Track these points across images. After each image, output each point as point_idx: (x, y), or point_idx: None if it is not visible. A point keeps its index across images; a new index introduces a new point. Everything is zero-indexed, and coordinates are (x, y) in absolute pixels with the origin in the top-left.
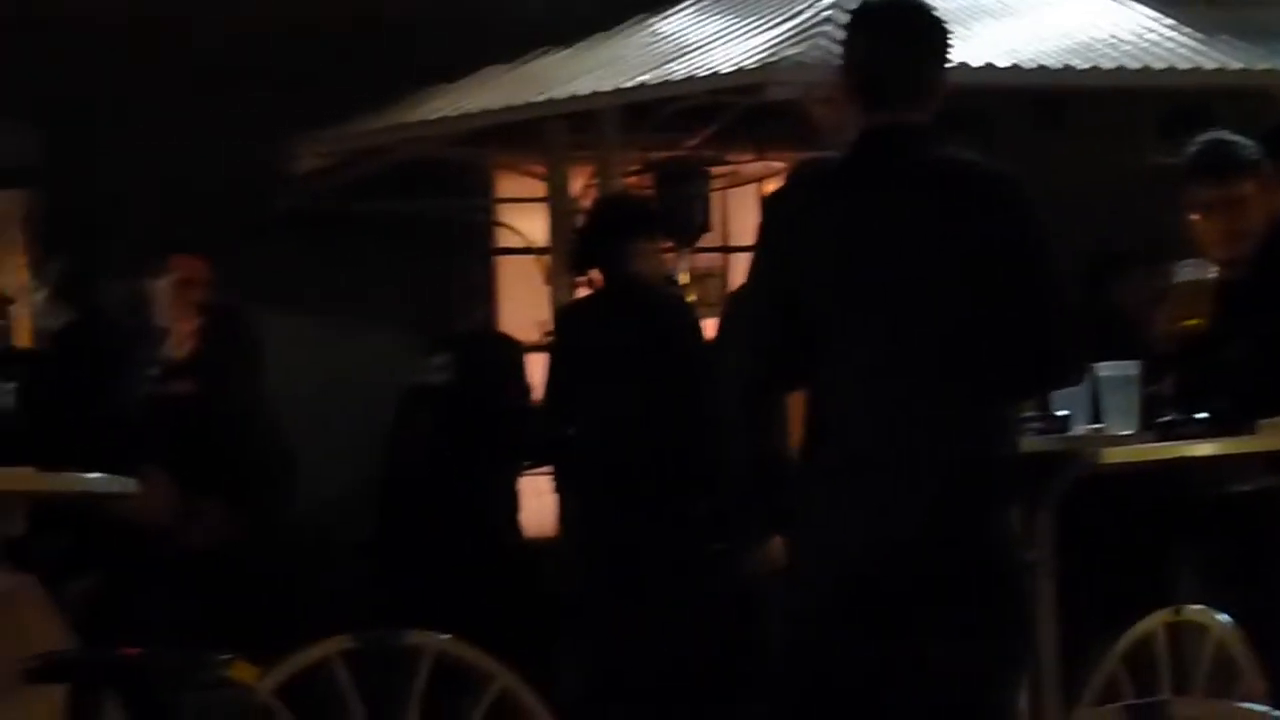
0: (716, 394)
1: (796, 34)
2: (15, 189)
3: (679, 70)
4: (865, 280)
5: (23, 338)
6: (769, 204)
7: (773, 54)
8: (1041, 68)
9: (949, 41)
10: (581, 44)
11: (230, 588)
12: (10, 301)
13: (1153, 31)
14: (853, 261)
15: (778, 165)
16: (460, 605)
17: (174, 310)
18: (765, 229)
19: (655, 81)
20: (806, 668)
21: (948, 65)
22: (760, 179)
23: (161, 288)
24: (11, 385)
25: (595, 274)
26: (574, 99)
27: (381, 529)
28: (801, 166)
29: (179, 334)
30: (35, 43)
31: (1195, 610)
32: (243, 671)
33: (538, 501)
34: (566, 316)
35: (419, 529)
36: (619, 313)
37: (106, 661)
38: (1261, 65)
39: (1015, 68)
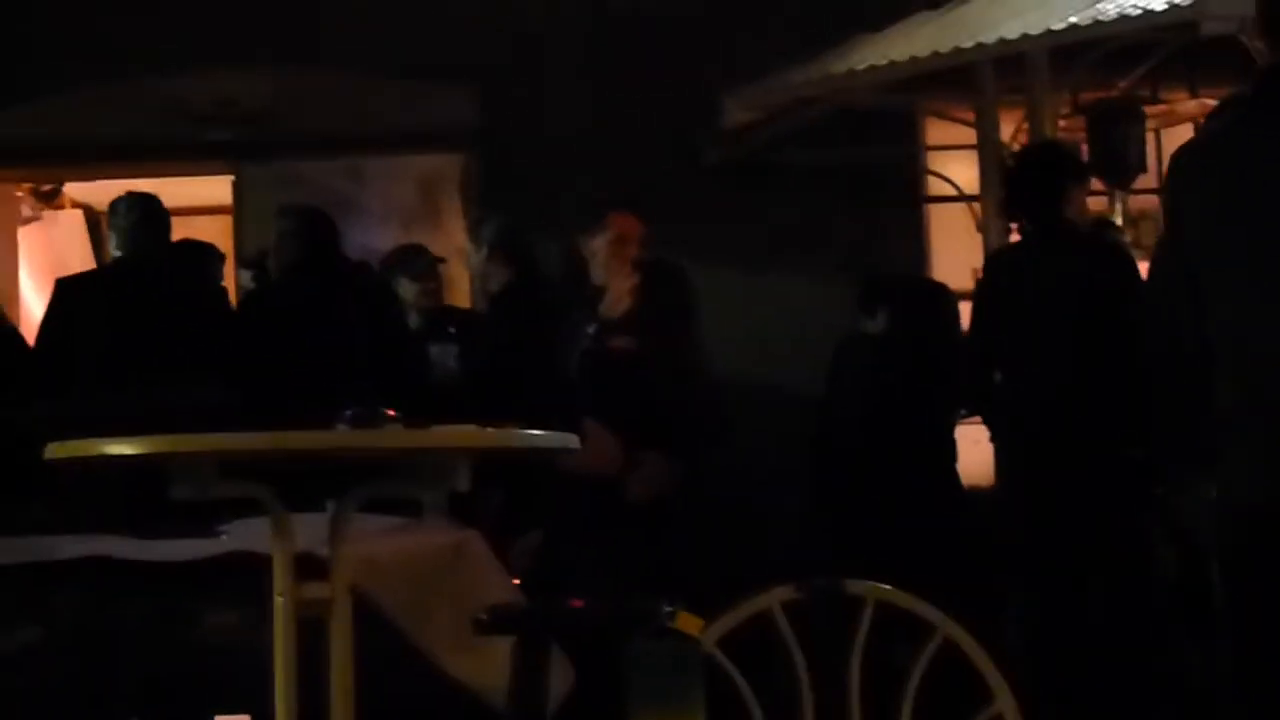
0: (1148, 337)
1: None
2: (454, 152)
3: (1110, 9)
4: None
5: (461, 299)
6: (1173, 158)
7: None
8: None
9: None
10: None
11: (671, 540)
12: (441, 261)
13: None
14: (1254, 204)
15: (1213, 103)
16: (901, 555)
17: (611, 268)
18: (1167, 182)
19: (1085, 23)
20: (1252, 608)
21: None
22: (1196, 118)
23: (598, 246)
24: (454, 348)
25: (1024, 220)
26: (1003, 43)
27: (818, 480)
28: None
29: (617, 291)
30: (471, 7)
31: None
32: (687, 622)
33: (975, 450)
34: (996, 262)
35: (857, 479)
36: (1050, 257)
37: (553, 613)
38: None
39: None
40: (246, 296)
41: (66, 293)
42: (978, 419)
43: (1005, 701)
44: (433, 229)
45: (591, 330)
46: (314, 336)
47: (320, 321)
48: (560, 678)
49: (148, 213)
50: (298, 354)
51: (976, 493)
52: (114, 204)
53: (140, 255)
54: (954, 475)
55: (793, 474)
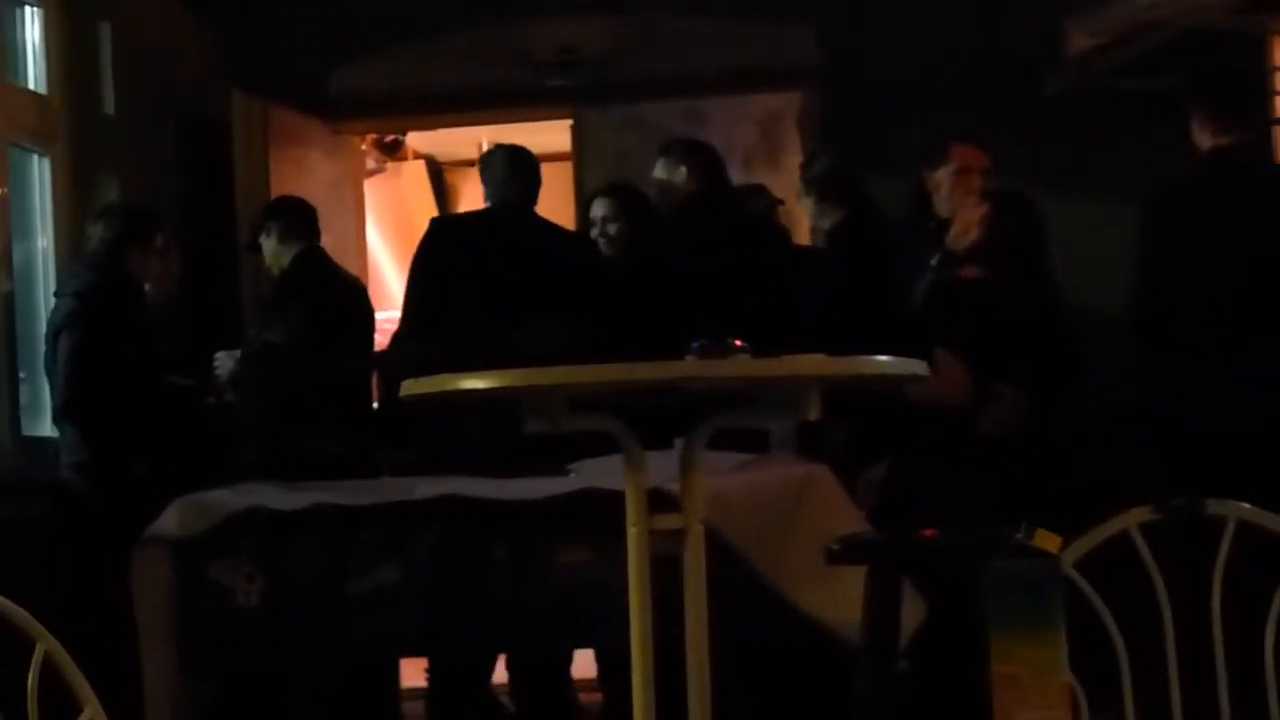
0: None
1: None
2: (792, 90)
3: None
4: None
5: (802, 237)
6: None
7: None
8: None
9: None
10: None
11: (1024, 472)
12: (780, 203)
13: None
14: None
15: None
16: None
17: (956, 199)
18: None
19: None
20: None
21: None
22: None
23: (941, 178)
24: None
25: None
26: None
27: (1165, 406)
28: None
29: (964, 222)
30: None
31: None
32: (1045, 540)
33: None
34: None
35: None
36: None
37: (904, 543)
38: None
39: None
40: (636, 239)
41: (439, 232)
42: None
43: None
44: (772, 168)
45: (935, 262)
46: (697, 275)
47: (704, 261)
48: (912, 611)
49: (518, 162)
50: (680, 293)
51: None
52: (485, 156)
53: (508, 202)
54: None
55: (1145, 407)
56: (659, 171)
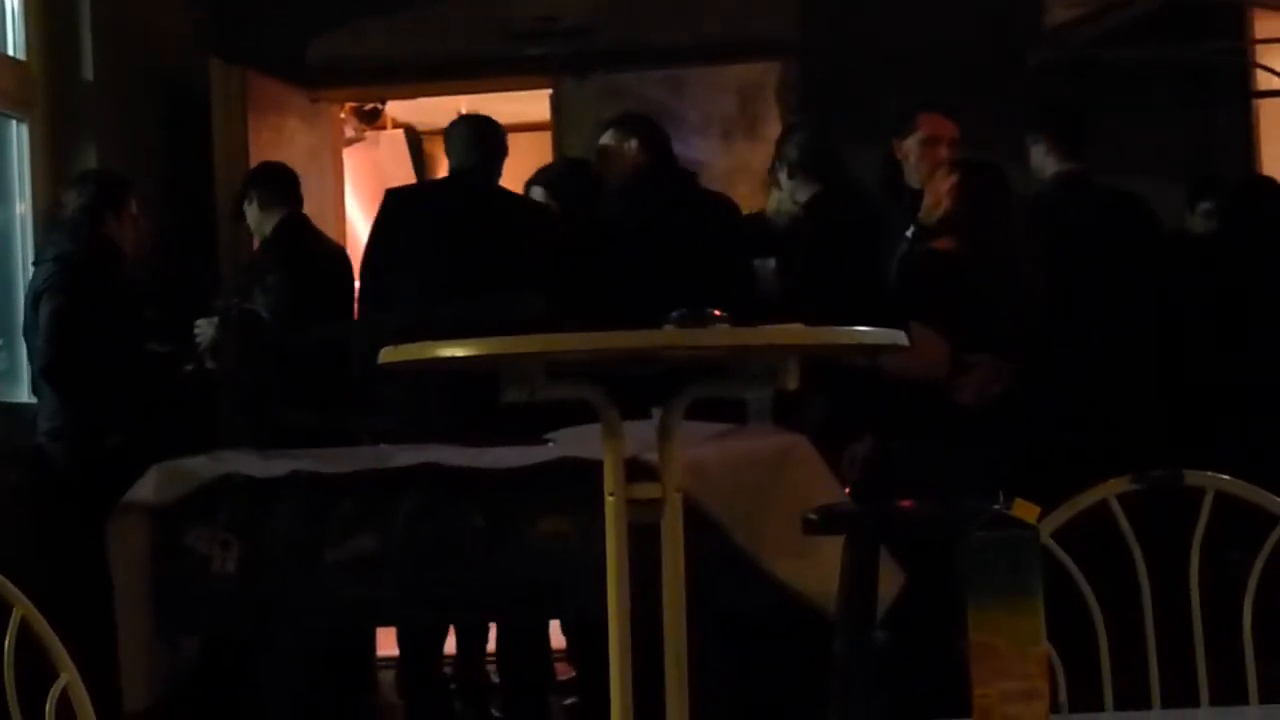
0: None
1: None
2: (771, 60)
3: None
4: None
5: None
6: None
7: None
8: None
9: None
10: None
11: (1002, 442)
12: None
13: None
14: None
15: None
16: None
17: (924, 169)
18: None
19: None
20: None
21: None
22: None
23: (909, 148)
24: (770, 261)
25: None
26: None
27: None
28: None
29: (935, 193)
30: None
31: None
32: (1023, 509)
33: None
34: None
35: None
36: None
37: (882, 514)
38: None
39: None
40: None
41: (395, 203)
42: None
43: None
44: (751, 139)
45: (909, 233)
46: (651, 245)
47: (657, 231)
48: (889, 581)
49: (480, 131)
50: (634, 262)
51: None
52: (448, 126)
53: (467, 170)
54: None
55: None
56: (607, 139)
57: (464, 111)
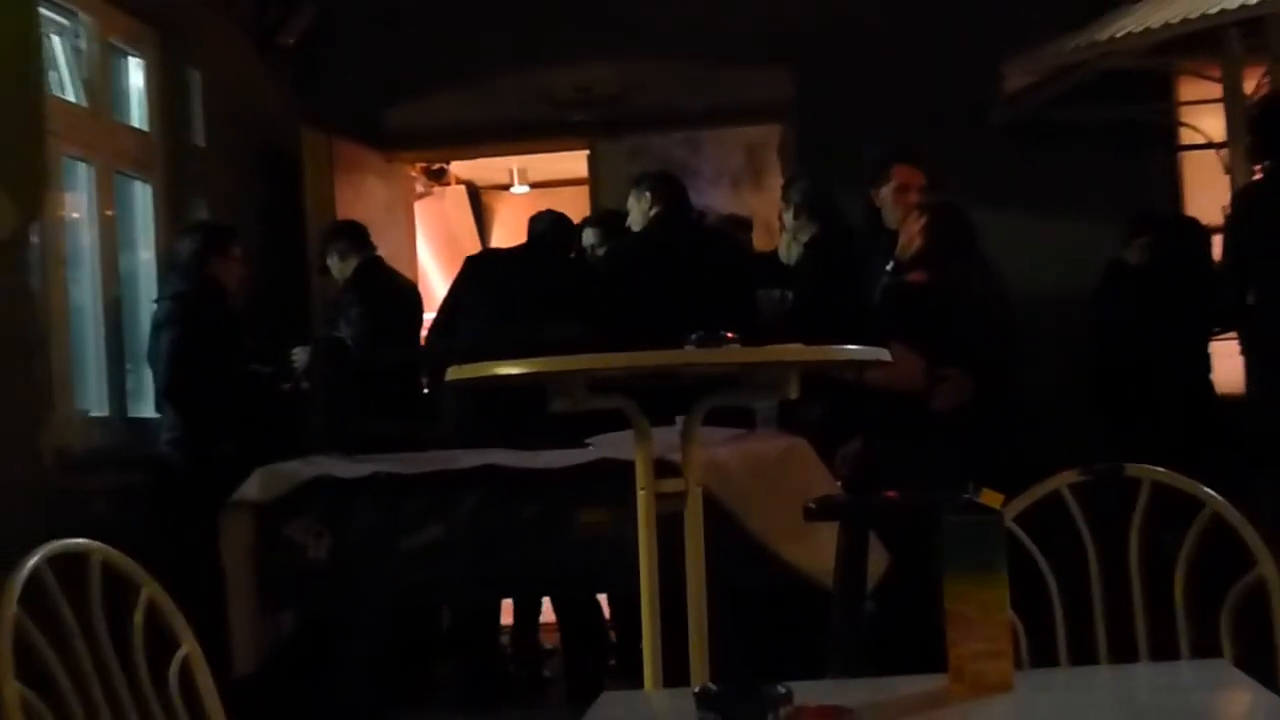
0: None
1: None
2: (774, 122)
3: None
4: None
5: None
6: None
7: None
8: None
9: None
10: None
11: (972, 443)
12: (749, 225)
13: None
14: None
15: None
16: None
17: (898, 212)
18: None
19: None
20: None
21: None
22: None
23: (885, 194)
24: (775, 291)
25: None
26: (1244, 8)
27: (1093, 387)
28: None
29: (908, 233)
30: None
31: None
32: (989, 498)
33: (1228, 362)
34: (1242, 198)
35: (1128, 385)
36: None
37: (871, 503)
38: None
39: None
40: (613, 247)
41: (470, 264)
42: (1231, 335)
43: (1268, 568)
44: (756, 189)
45: (889, 268)
46: (673, 277)
47: (678, 264)
48: (877, 560)
49: (554, 223)
50: (659, 292)
51: (1231, 398)
52: (532, 217)
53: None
54: (1208, 383)
55: (1073, 385)
56: (630, 201)
57: (515, 169)
